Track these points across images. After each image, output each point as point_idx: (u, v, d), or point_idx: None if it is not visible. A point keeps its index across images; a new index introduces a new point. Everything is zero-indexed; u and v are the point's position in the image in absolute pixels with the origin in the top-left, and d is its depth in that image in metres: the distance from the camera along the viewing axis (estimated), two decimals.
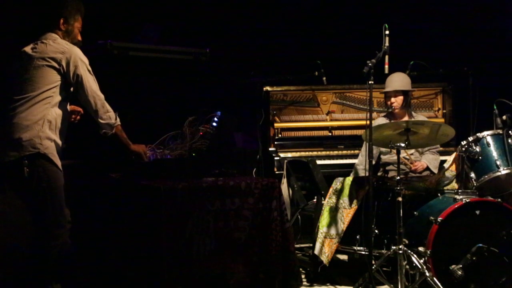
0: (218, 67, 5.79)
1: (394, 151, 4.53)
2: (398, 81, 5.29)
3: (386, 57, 4.38)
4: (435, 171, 5.19)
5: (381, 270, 4.47)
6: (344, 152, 5.89)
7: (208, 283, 3.99)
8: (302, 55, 6.44)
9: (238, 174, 4.43)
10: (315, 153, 5.86)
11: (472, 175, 4.62)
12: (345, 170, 5.41)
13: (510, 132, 4.59)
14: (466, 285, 4.32)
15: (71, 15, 3.99)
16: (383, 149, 5.30)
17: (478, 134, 4.63)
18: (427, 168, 5.20)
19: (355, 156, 5.64)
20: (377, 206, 4.69)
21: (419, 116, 5.46)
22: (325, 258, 4.67)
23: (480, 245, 4.31)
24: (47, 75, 3.83)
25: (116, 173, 4.38)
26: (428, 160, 5.24)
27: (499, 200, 4.48)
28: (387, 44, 4.36)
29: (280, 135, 5.89)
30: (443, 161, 5.16)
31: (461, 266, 4.27)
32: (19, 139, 3.76)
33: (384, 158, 5.36)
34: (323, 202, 4.86)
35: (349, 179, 4.83)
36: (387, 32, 4.36)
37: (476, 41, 6.48)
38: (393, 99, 5.29)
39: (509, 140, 4.57)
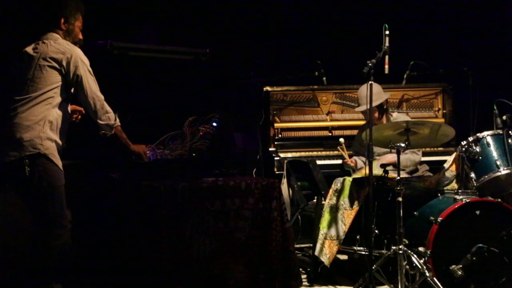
0: (218, 67, 5.79)
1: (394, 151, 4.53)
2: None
3: (386, 57, 4.39)
4: (407, 169, 5.05)
5: (381, 270, 4.47)
6: None
7: (208, 283, 3.99)
8: (302, 55, 6.43)
9: (238, 174, 4.43)
10: (315, 153, 5.86)
11: (472, 175, 4.62)
12: (345, 170, 5.40)
13: (510, 132, 4.59)
14: (466, 285, 4.32)
15: (72, 14, 3.98)
16: (382, 149, 5.28)
17: (478, 134, 4.63)
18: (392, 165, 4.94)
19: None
20: (377, 206, 4.69)
21: (401, 116, 5.30)
22: (325, 259, 4.67)
23: (480, 245, 4.31)
24: (48, 76, 3.83)
25: (116, 173, 4.38)
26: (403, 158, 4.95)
27: (499, 200, 4.48)
28: (387, 44, 4.36)
29: (280, 135, 5.88)
30: (443, 161, 5.15)
31: (461, 266, 4.28)
32: (20, 139, 3.76)
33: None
34: (323, 202, 4.86)
35: (348, 180, 4.83)
36: (387, 32, 4.36)
37: (476, 41, 6.48)
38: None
39: (509, 140, 4.57)
